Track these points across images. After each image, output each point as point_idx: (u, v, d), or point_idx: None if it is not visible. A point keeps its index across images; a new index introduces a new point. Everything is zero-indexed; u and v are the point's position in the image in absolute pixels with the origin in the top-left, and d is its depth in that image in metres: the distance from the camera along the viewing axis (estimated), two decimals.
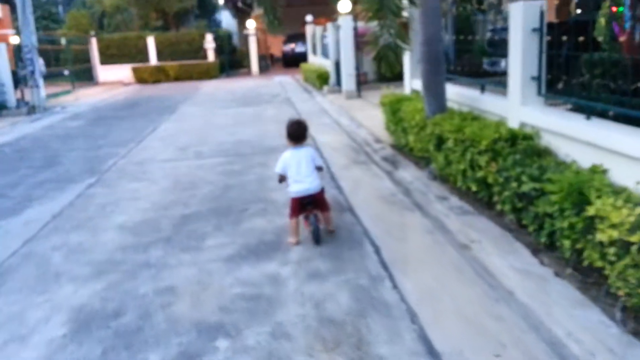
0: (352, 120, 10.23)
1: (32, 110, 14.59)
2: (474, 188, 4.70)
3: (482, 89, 5.72)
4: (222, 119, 11.51)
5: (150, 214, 5.22)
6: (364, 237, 4.29)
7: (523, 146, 4.27)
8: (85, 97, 18.61)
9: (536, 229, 3.88)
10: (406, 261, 3.78)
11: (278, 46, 33.05)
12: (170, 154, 8.00)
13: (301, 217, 4.34)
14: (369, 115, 10.44)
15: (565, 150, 4.16)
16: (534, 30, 4.46)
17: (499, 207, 4.38)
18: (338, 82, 15.22)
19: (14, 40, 16.60)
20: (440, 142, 5.34)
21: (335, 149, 7.74)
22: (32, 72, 14.79)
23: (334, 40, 15.22)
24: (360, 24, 14.23)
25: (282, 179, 4.41)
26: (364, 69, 14.90)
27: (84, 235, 4.72)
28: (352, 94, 13.72)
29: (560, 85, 4.66)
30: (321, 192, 4.36)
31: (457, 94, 6.10)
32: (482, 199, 4.71)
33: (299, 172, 4.25)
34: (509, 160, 4.12)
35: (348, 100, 13.42)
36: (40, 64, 17.10)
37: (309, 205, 4.25)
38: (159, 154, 8.09)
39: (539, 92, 4.56)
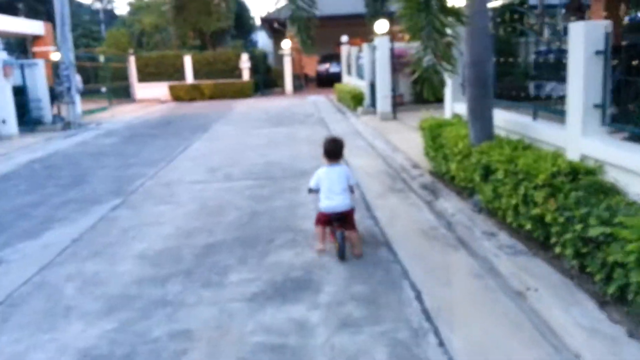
0: (388, 143, 9.81)
1: (67, 126, 14.72)
2: (527, 226, 4.20)
3: (535, 115, 5.23)
4: (255, 139, 11.27)
5: (173, 241, 4.90)
6: (402, 279, 3.85)
7: (586, 182, 3.77)
8: (121, 114, 18.78)
9: (603, 278, 3.37)
10: (453, 311, 3.31)
11: (312, 66, 33.06)
12: (199, 175, 7.74)
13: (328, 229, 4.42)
14: (405, 139, 10.01)
15: (635, 188, 3.65)
16: (598, 53, 4.00)
17: (557, 249, 3.88)
18: (373, 103, 14.87)
19: (54, 56, 16.89)
20: (487, 172, 4.87)
21: (370, 175, 7.33)
22: (69, 89, 14.96)
23: (370, 61, 14.91)
24: (398, 45, 13.91)
25: (312, 191, 4.50)
26: (400, 91, 14.51)
27: (101, 264, 4.43)
28: (387, 116, 13.33)
29: (618, 114, 4.17)
30: (350, 212, 4.40)
31: (504, 120, 5.63)
32: (537, 238, 4.21)
33: (330, 190, 4.31)
34: (571, 198, 3.63)
35: (383, 122, 13.02)
36: (77, 80, 17.39)
37: (336, 221, 4.30)
38: (188, 174, 7.84)
39: (603, 122, 4.07)
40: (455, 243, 4.59)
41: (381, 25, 13.15)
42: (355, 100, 16.03)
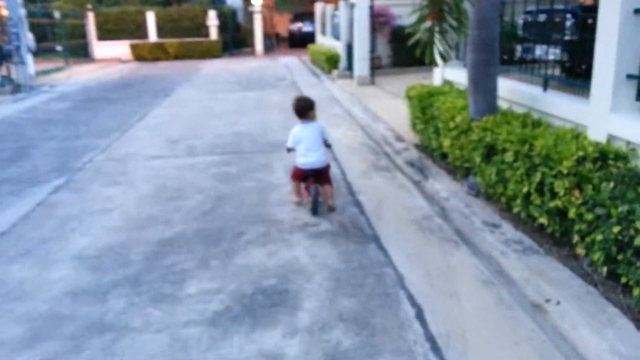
0: (367, 111, 9.05)
1: (16, 89, 13.40)
2: (541, 219, 3.56)
3: (545, 85, 4.54)
4: (222, 104, 10.34)
5: (121, 235, 4.11)
6: (398, 288, 3.18)
7: (619, 170, 3.12)
8: (77, 75, 17.39)
9: None
10: (466, 338, 2.66)
11: (284, 25, 31.64)
12: (157, 149, 6.87)
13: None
14: (386, 106, 9.26)
15: None
16: (637, 12, 3.28)
17: (579, 250, 3.26)
18: (349, 66, 13.98)
19: (1, 12, 15.33)
20: (490, 152, 4.19)
21: (351, 149, 6.59)
22: (18, 48, 13.56)
23: (347, 20, 13.93)
24: (377, 2, 12.96)
25: (291, 150, 4.62)
26: (377, 52, 13.66)
27: (30, 268, 3.62)
28: (365, 80, 12.50)
29: None
30: (326, 168, 4.55)
31: (508, 89, 4.93)
32: (551, 233, 3.59)
33: (307, 147, 4.45)
34: (604, 192, 2.98)
35: (361, 87, 12.21)
36: (29, 38, 15.93)
37: (311, 177, 4.45)
38: (145, 147, 6.96)
39: (639, 96, 3.39)
40: (454, 237, 3.94)
41: None
42: (331, 62, 15.10)
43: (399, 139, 6.93)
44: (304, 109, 4.58)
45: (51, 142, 7.50)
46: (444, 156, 5.47)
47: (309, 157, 4.44)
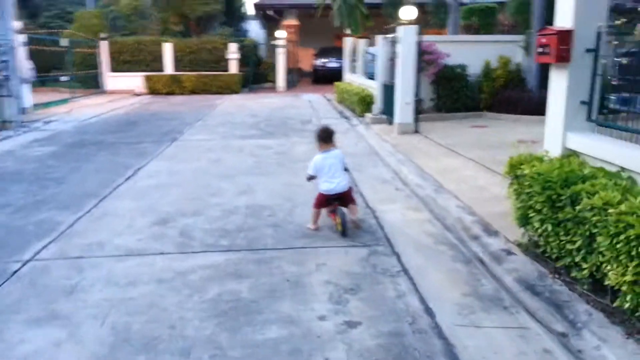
0: (423, 174, 6.90)
1: (2, 126, 11.60)
2: None
3: None
4: (236, 157, 8.30)
5: None
6: None
7: None
8: (80, 109, 15.65)
9: None
10: None
11: (308, 60, 30.03)
12: (137, 236, 4.76)
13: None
14: (445, 168, 7.12)
15: None
16: None
17: None
18: (385, 110, 11.97)
19: None
20: None
21: (421, 248, 4.41)
22: (7, 78, 11.83)
23: (385, 57, 11.98)
24: (426, 38, 11.00)
25: (312, 178, 4.91)
26: (420, 95, 11.61)
27: None
28: (408, 128, 10.42)
29: None
30: (349, 191, 4.88)
31: None
32: None
33: (330, 174, 4.75)
34: None
35: (403, 135, 10.12)
36: (26, 67, 14.26)
37: (335, 201, 4.77)
38: (120, 233, 4.85)
39: None
40: None
41: (408, 12, 10.20)
42: (363, 104, 13.12)
43: (487, 228, 4.75)
44: (329, 137, 4.90)
45: None
46: (594, 279, 3.29)
47: (332, 184, 4.72)
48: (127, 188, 6.44)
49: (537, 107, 11.15)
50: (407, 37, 10.03)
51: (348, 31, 18.66)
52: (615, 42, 4.31)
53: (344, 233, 4.62)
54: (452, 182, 6.43)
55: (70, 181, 6.82)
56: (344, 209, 4.75)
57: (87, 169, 7.53)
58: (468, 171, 6.97)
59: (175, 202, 5.81)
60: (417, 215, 5.34)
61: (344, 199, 4.79)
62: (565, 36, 4.39)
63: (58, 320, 3.27)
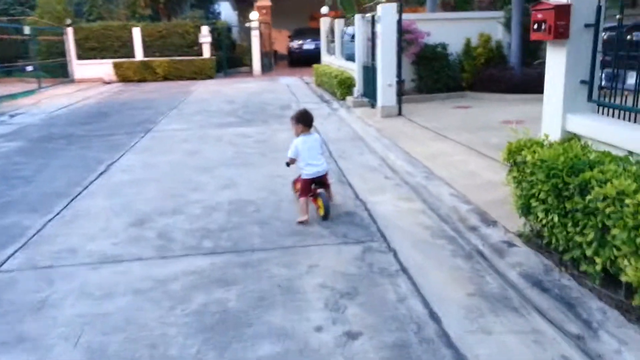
0: (412, 160, 6.65)
1: None
2: None
3: None
4: (214, 147, 7.93)
5: None
6: None
7: None
8: (48, 100, 14.97)
9: None
10: None
11: (283, 42, 29.44)
12: (112, 240, 4.41)
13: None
14: (434, 153, 6.88)
15: None
16: None
17: None
18: (366, 92, 11.66)
19: None
20: None
21: (419, 244, 4.16)
22: None
23: (364, 38, 11.63)
24: (405, 16, 10.67)
25: (292, 162, 4.85)
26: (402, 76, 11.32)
27: None
28: (392, 111, 10.15)
29: None
30: (327, 174, 4.90)
31: None
32: None
33: (311, 157, 4.75)
34: None
35: (387, 119, 9.85)
36: None
37: (316, 185, 4.78)
38: (94, 237, 4.49)
39: None
40: None
41: None
42: (343, 87, 12.79)
43: (484, 217, 4.53)
44: (311, 120, 4.93)
45: None
46: (605, 273, 3.08)
47: (314, 166, 4.73)
48: (99, 185, 6.04)
49: (519, 85, 10.99)
50: (387, 15, 9.68)
51: (323, 10, 18.16)
52: (619, 16, 4.06)
53: (325, 217, 4.63)
54: (442, 167, 6.19)
55: (39, 180, 6.38)
56: (323, 191, 4.79)
57: (56, 166, 7.08)
58: (457, 155, 6.74)
59: (153, 199, 5.45)
60: (410, 205, 5.09)
61: (323, 182, 4.84)
62: (562, 11, 4.13)
63: (26, 343, 2.94)
